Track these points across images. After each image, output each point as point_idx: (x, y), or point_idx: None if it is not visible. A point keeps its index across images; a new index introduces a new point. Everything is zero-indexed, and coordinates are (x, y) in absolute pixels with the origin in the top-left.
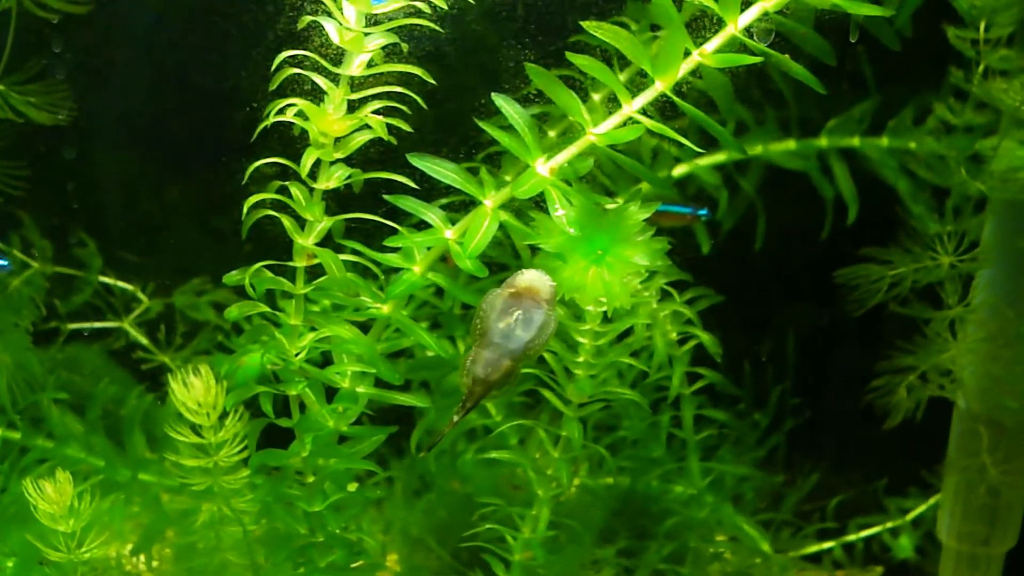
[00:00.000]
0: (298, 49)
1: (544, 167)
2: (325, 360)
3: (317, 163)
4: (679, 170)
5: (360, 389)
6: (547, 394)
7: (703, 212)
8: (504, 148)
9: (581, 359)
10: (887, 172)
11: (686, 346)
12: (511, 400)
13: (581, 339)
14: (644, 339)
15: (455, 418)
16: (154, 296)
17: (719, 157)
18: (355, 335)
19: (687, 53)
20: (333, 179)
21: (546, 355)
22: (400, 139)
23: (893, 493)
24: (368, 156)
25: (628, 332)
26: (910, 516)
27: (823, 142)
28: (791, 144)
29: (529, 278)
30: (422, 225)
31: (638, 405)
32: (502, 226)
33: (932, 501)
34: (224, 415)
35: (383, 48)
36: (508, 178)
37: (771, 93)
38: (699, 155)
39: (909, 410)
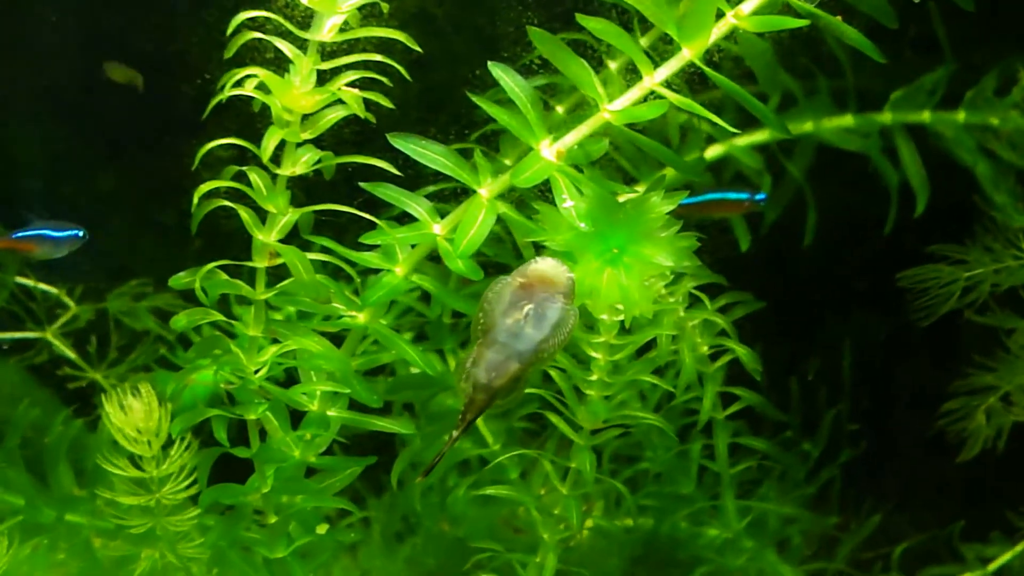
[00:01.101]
0: (259, 10)
1: (550, 150)
2: (290, 378)
3: (281, 145)
4: (712, 152)
5: (331, 412)
6: (554, 419)
7: (761, 196)
8: (502, 127)
9: (594, 377)
10: (963, 153)
11: (719, 362)
12: (511, 426)
13: (594, 354)
14: (669, 354)
15: (454, 433)
16: (83, 301)
17: (760, 136)
18: (325, 349)
19: (720, 14)
20: (300, 164)
21: (553, 373)
22: (380, 117)
23: (971, 538)
24: (342, 137)
25: (650, 345)
26: (992, 566)
27: (886, 117)
28: (848, 120)
29: (544, 267)
30: (405, 218)
31: (663, 432)
32: (500, 219)
33: (1020, 548)
34: (169, 443)
35: (359, 9)
36: (507, 162)
37: (824, 60)
38: (736, 134)
39: (989, 438)
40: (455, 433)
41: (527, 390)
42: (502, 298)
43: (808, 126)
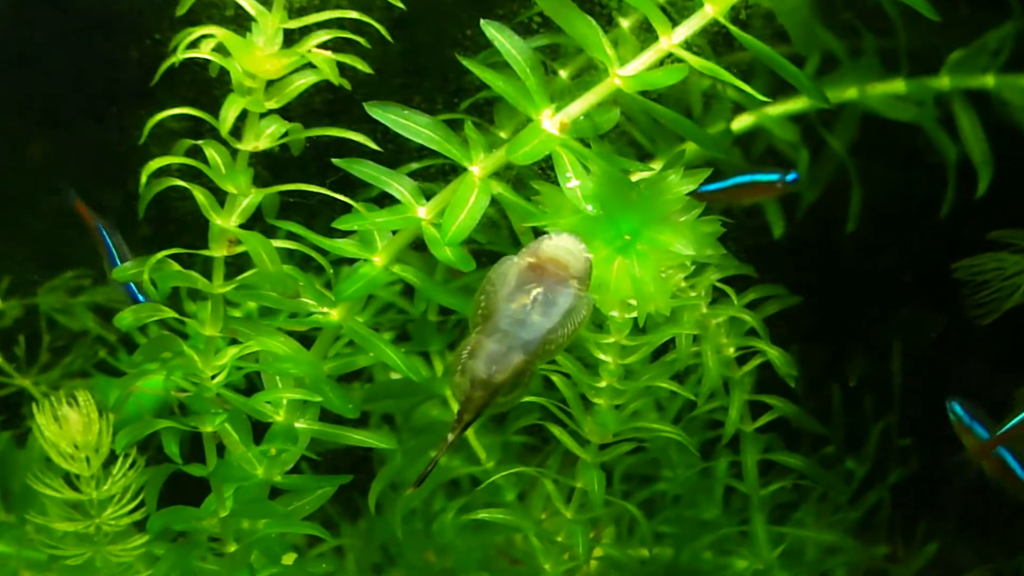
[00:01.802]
0: None
1: (552, 121)
2: (251, 385)
3: (242, 116)
4: (740, 123)
5: (300, 424)
6: (557, 431)
7: (793, 176)
8: (497, 95)
9: (603, 384)
10: None
11: (748, 366)
12: (507, 440)
13: (603, 356)
14: (690, 356)
15: (448, 436)
16: (9, 296)
17: (796, 104)
18: (293, 350)
19: None
20: (264, 137)
21: (556, 379)
22: (356, 83)
23: None
24: (312, 106)
25: (668, 347)
26: None
27: (943, 82)
28: (898, 85)
29: (557, 245)
30: (385, 200)
31: (683, 447)
32: (494, 201)
33: None
34: (111, 461)
35: None
36: (503, 135)
37: (870, 16)
38: (767, 103)
39: None
40: (450, 437)
41: (525, 398)
42: (507, 280)
43: (852, 93)
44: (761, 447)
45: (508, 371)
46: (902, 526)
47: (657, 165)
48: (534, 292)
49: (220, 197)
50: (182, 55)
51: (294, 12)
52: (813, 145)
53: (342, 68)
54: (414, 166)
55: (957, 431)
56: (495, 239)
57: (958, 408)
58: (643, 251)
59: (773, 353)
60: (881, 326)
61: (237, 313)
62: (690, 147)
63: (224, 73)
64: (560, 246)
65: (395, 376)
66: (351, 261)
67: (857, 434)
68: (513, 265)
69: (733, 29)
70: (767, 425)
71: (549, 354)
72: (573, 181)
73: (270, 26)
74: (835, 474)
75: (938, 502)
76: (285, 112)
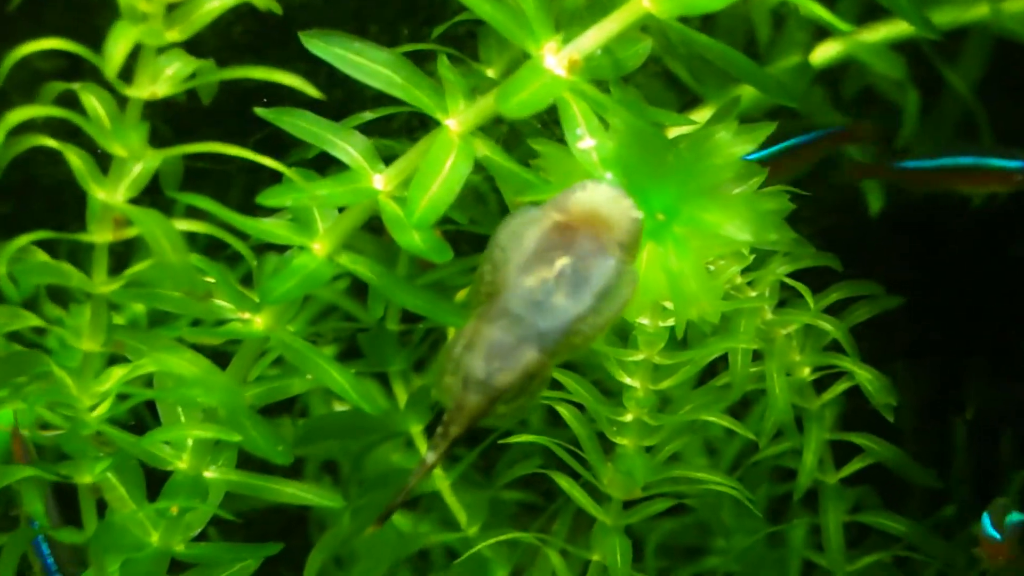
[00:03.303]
0: None
1: (558, 58)
2: (145, 419)
3: (135, 52)
4: (823, 54)
5: (210, 474)
6: (565, 483)
7: None
8: (481, 20)
9: (629, 417)
10: None
11: (830, 392)
12: (497, 495)
13: (629, 380)
14: (749, 380)
15: (428, 456)
16: None
17: (902, 27)
18: (202, 371)
19: None
20: (163, 80)
21: (564, 411)
22: (291, 8)
23: None
24: (230, 39)
25: (717, 367)
26: None
27: None
28: None
29: (593, 197)
30: (329, 165)
31: (740, 505)
32: (479, 167)
33: None
34: None
35: None
36: (491, 75)
37: None
38: (860, 28)
39: None
40: (429, 456)
41: (522, 438)
42: (523, 243)
43: (982, 10)
44: (849, 505)
45: (515, 371)
46: None
47: (703, 114)
48: (560, 263)
49: (104, 162)
50: None
51: None
52: (926, 84)
53: None
54: (367, 117)
55: None
56: (480, 218)
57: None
58: (682, 235)
59: (864, 375)
60: (1013, 340)
61: (123, 320)
62: (747, 91)
63: None
64: (598, 199)
65: (341, 407)
66: (282, 249)
67: (985, 487)
68: (533, 223)
69: None
70: (857, 475)
71: (573, 351)
72: (586, 140)
73: None
74: (956, 543)
75: None
76: (193, 47)
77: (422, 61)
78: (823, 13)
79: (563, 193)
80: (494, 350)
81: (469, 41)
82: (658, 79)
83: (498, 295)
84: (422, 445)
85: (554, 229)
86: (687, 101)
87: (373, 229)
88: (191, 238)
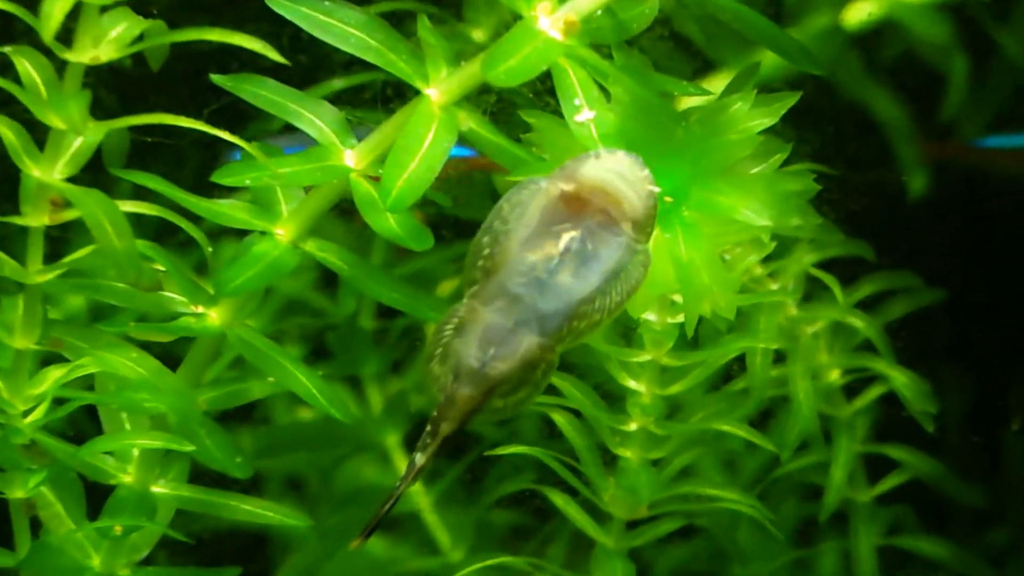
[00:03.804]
0: None
1: (553, 18)
2: (85, 427)
3: (75, 11)
4: (858, 14)
5: (159, 488)
6: (561, 501)
7: None
8: None
9: (633, 426)
10: None
11: (862, 399)
12: (483, 517)
13: (634, 384)
14: (769, 384)
15: (417, 458)
16: None
17: None
18: (150, 373)
19: None
20: (107, 43)
21: (559, 419)
22: None
23: None
24: None
25: (734, 369)
26: None
27: None
28: None
29: (607, 167)
30: (294, 139)
31: (760, 527)
32: (464, 141)
33: None
34: None
35: None
36: (478, 36)
37: None
38: None
39: None
40: (418, 458)
41: (511, 449)
42: (527, 215)
43: None
44: (884, 527)
45: (513, 360)
46: None
47: (719, 84)
48: (566, 238)
49: (39, 135)
50: None
51: None
52: (975, 50)
53: None
54: (338, 85)
55: None
56: (466, 199)
57: None
58: (693, 220)
59: (900, 379)
60: None
61: (61, 315)
62: (768, 57)
63: None
64: (613, 169)
65: (308, 415)
66: (242, 234)
67: None
68: (539, 193)
69: None
70: (893, 492)
71: (578, 336)
72: (585, 112)
73: None
74: (1008, 572)
75: None
76: (141, 6)
77: (400, 23)
78: None
79: (574, 161)
80: (489, 335)
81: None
82: (667, 43)
83: (496, 272)
84: (400, 458)
85: (562, 200)
86: (700, 67)
87: (345, 212)
88: (138, 221)
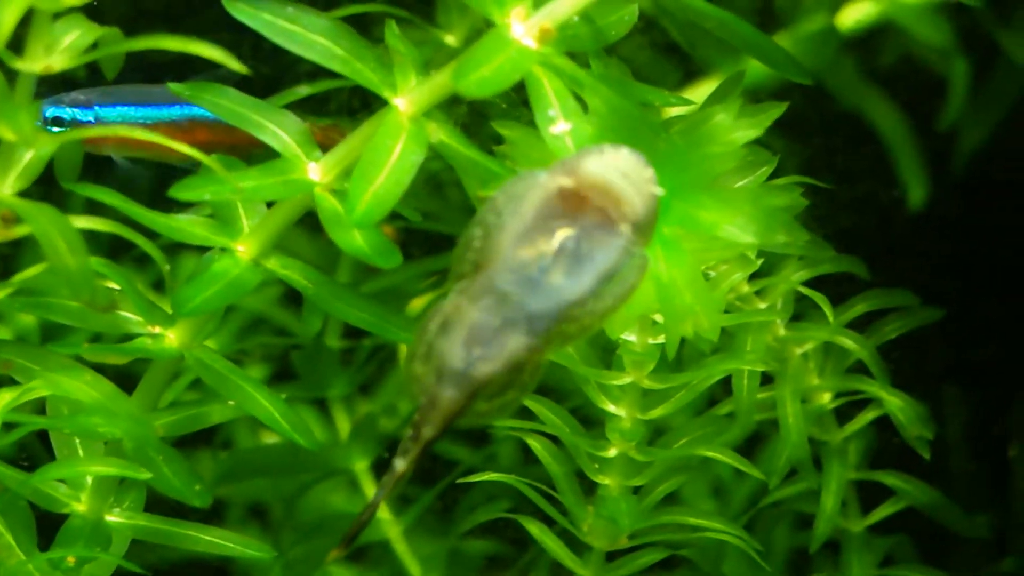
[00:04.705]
0: None
1: (527, 25)
2: (36, 453)
3: (27, 17)
4: (854, 16)
5: (114, 518)
6: (537, 531)
7: None
8: None
9: (613, 452)
10: None
11: (854, 424)
12: (455, 546)
13: (614, 408)
14: (756, 407)
15: (397, 465)
16: None
17: None
18: (104, 396)
19: None
20: (60, 52)
21: (535, 444)
22: None
23: None
24: (140, 5)
25: (718, 392)
26: None
27: None
28: None
29: (609, 164)
30: (256, 152)
31: (748, 560)
32: (434, 154)
33: None
34: None
35: None
36: (451, 41)
37: None
38: None
39: None
40: (398, 465)
41: (486, 476)
42: (522, 209)
43: None
44: (878, 558)
45: (499, 360)
46: None
47: (707, 90)
48: (561, 235)
49: None
50: None
51: None
52: (977, 52)
53: None
54: (303, 92)
55: None
56: (437, 213)
57: None
58: (674, 237)
59: (895, 403)
60: None
61: (11, 335)
62: (753, 66)
63: None
64: (614, 166)
65: (271, 439)
66: (202, 249)
67: None
68: (536, 187)
69: None
70: (889, 521)
71: (567, 340)
72: (560, 123)
73: None
74: None
75: None
76: (95, 12)
77: (368, 27)
78: None
79: (575, 155)
80: (475, 334)
81: (421, 5)
82: (652, 49)
83: (485, 267)
84: (368, 484)
85: (560, 196)
86: (689, 72)
87: (310, 226)
88: (92, 238)
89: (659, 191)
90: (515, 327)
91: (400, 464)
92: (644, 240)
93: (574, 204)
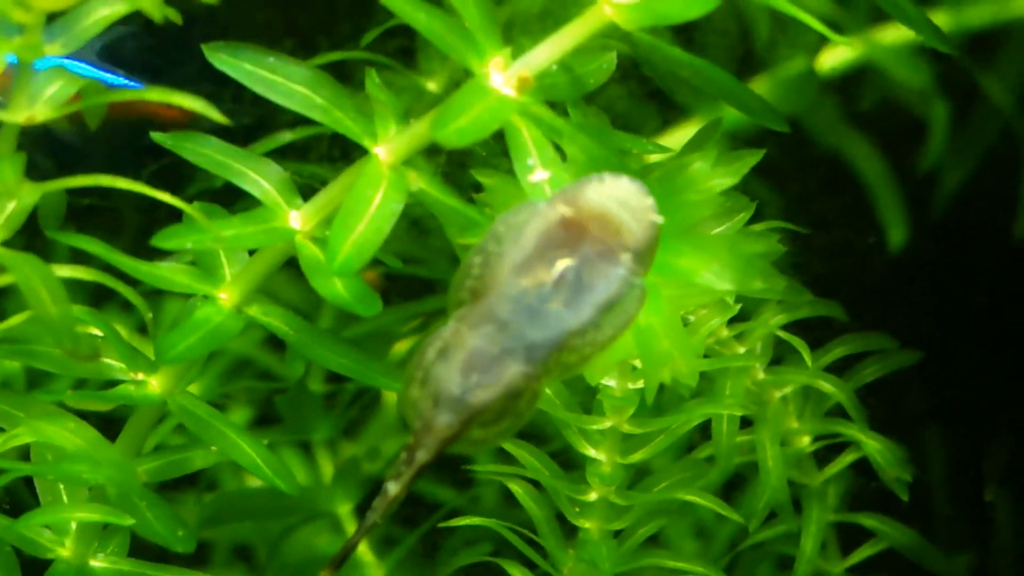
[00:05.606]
0: None
1: (506, 75)
2: (21, 498)
3: (11, 68)
4: (834, 59)
5: (98, 563)
6: (518, 573)
7: None
8: (419, 31)
9: (593, 496)
10: None
11: (833, 467)
12: None
13: (594, 452)
14: (736, 451)
15: (390, 488)
16: None
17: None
18: (88, 443)
19: None
20: (43, 103)
21: (516, 488)
22: (192, 20)
23: None
24: (121, 55)
25: (697, 437)
26: None
27: None
28: None
29: (609, 193)
30: (238, 200)
31: None
32: (415, 203)
33: None
34: None
35: None
36: (432, 87)
37: None
38: (878, 24)
39: None
40: (391, 488)
41: (464, 520)
42: (523, 238)
43: (1022, 5)
44: None
45: (496, 388)
46: None
47: (689, 133)
48: (561, 265)
49: None
50: None
51: None
52: (957, 94)
53: None
54: (285, 139)
55: None
56: (419, 258)
57: None
58: (652, 284)
59: (873, 446)
60: None
61: None
62: (729, 113)
63: None
64: (615, 196)
65: (255, 483)
66: (185, 296)
67: None
68: (537, 216)
69: None
70: (867, 563)
71: (566, 370)
72: (539, 172)
73: None
74: None
75: None
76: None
77: (347, 76)
78: (817, 24)
79: (576, 184)
80: (473, 361)
81: (403, 56)
82: (631, 96)
83: (485, 295)
84: (352, 527)
85: (560, 225)
86: (669, 117)
87: (296, 268)
88: (75, 286)
89: (659, 219)
90: (513, 355)
91: (393, 488)
92: (644, 269)
93: (574, 234)
